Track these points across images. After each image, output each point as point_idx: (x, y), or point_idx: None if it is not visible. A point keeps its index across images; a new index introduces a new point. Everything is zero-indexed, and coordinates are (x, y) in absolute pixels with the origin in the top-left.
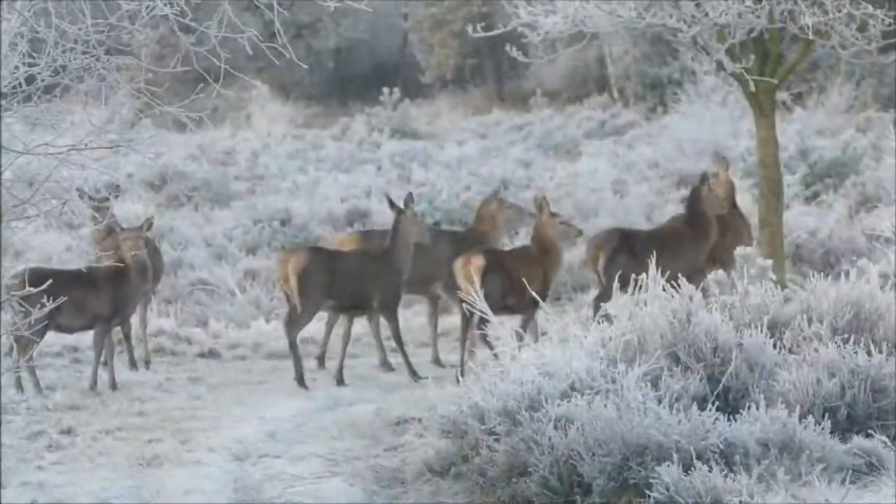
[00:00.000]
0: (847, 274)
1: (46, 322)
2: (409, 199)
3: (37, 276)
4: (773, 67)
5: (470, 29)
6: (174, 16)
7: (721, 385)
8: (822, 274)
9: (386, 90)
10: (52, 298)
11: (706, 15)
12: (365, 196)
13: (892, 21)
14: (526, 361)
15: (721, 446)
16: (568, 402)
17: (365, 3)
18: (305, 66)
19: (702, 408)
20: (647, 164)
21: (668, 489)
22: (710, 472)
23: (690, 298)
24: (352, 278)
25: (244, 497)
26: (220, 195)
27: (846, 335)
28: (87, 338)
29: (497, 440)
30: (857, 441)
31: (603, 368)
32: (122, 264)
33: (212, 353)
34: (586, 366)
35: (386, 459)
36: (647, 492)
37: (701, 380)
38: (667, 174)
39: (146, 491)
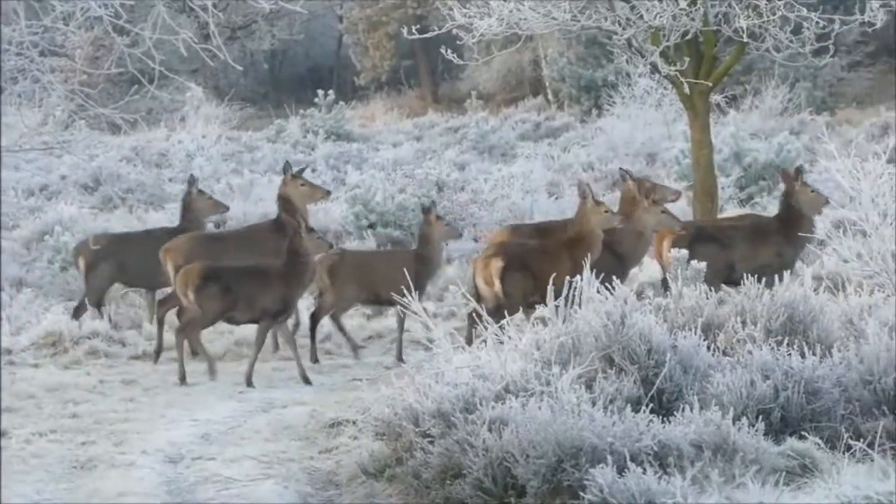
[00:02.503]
0: (780, 277)
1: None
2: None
3: (211, 272)
4: (707, 70)
5: (405, 31)
6: (109, 17)
7: (655, 387)
8: (756, 276)
9: (321, 92)
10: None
11: (641, 17)
12: None
13: (825, 24)
14: (460, 364)
15: (655, 448)
16: (502, 404)
17: (300, 5)
18: (240, 68)
19: (636, 410)
20: (581, 167)
21: (601, 491)
22: (643, 473)
23: (625, 301)
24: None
25: (178, 499)
26: (155, 197)
27: (780, 337)
28: (19, 340)
29: (431, 442)
30: (791, 443)
31: (537, 371)
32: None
33: (146, 356)
34: (521, 368)
35: (320, 461)
36: (581, 493)
37: (635, 382)
38: (601, 176)
39: (80, 493)
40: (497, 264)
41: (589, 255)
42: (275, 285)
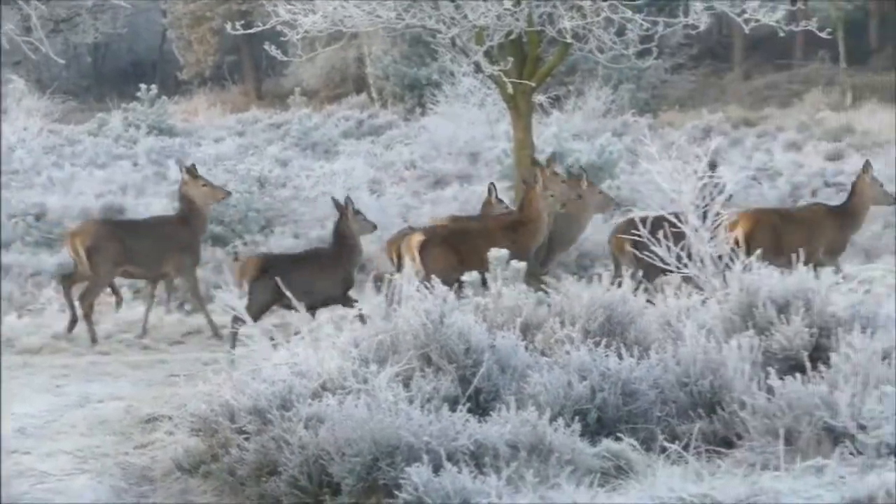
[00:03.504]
0: (600, 277)
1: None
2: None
3: (269, 262)
4: (530, 70)
5: (229, 26)
6: None
7: (472, 386)
8: (575, 277)
9: (143, 86)
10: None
11: (465, 17)
12: (121, 192)
13: (649, 26)
14: (278, 360)
15: (471, 447)
16: (319, 401)
17: None
18: (62, 61)
19: (453, 409)
20: (404, 165)
21: (417, 490)
22: (459, 473)
23: (444, 300)
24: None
25: None
26: None
27: (598, 338)
28: None
29: (247, 439)
30: (607, 444)
31: (355, 368)
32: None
33: None
34: (338, 366)
35: (135, 457)
36: (397, 492)
37: (452, 381)
38: (424, 175)
39: None
40: (417, 238)
41: (532, 238)
42: (328, 270)
